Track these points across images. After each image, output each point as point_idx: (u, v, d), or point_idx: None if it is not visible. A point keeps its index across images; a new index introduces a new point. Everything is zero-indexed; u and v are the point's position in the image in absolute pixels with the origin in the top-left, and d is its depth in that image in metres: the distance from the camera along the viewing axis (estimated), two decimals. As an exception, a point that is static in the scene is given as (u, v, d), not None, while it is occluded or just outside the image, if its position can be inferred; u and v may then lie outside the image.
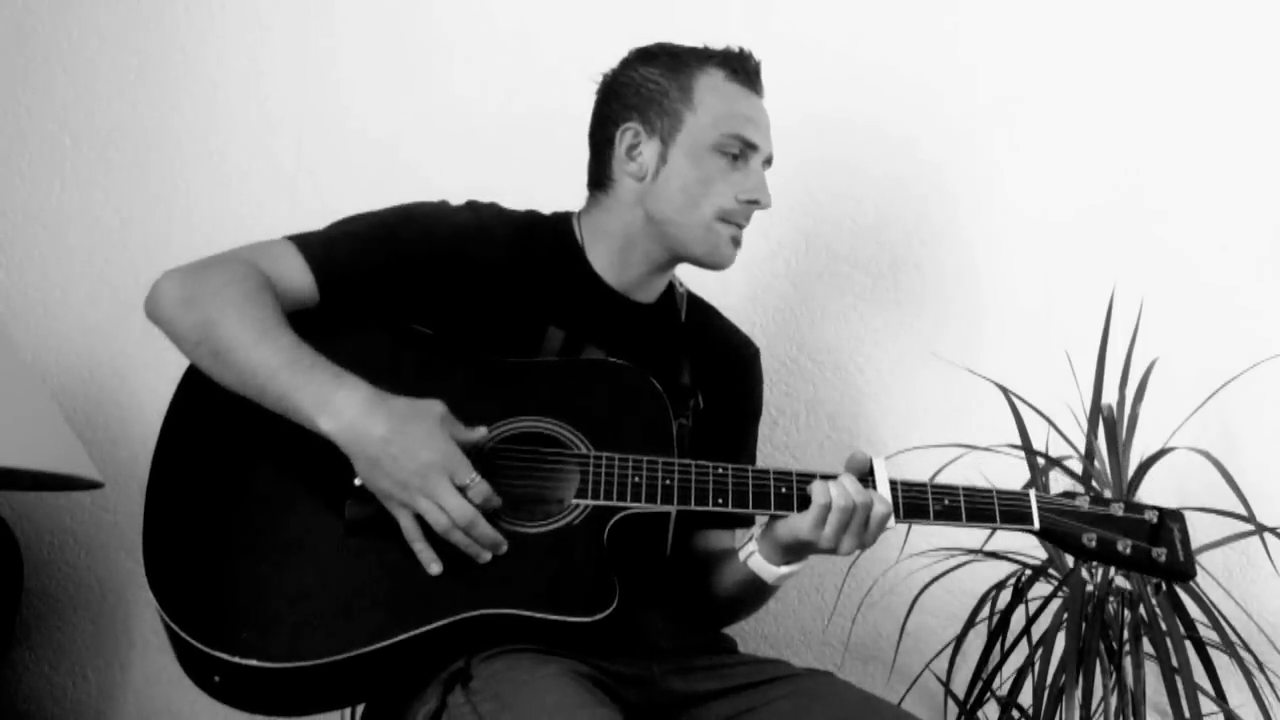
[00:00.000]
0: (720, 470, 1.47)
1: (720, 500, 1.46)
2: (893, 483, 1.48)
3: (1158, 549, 1.47)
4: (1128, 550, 1.47)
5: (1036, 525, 1.48)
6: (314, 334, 1.47)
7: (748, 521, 1.63)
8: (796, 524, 1.45)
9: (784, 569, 1.52)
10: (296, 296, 1.51)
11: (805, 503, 1.46)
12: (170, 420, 1.50)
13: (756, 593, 1.59)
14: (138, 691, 2.33)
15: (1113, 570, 1.82)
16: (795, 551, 1.50)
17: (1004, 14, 2.20)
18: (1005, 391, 1.93)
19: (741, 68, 1.63)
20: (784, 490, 1.47)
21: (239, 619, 1.38)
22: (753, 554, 1.53)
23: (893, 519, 1.46)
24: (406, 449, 1.38)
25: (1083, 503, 1.49)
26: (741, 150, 1.61)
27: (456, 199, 1.66)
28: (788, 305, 2.22)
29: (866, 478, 1.48)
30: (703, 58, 1.63)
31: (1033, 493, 1.49)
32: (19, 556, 2.23)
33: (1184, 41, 2.13)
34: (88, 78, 2.51)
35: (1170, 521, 1.49)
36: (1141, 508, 1.49)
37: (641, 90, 1.62)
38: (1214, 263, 2.07)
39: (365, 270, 1.54)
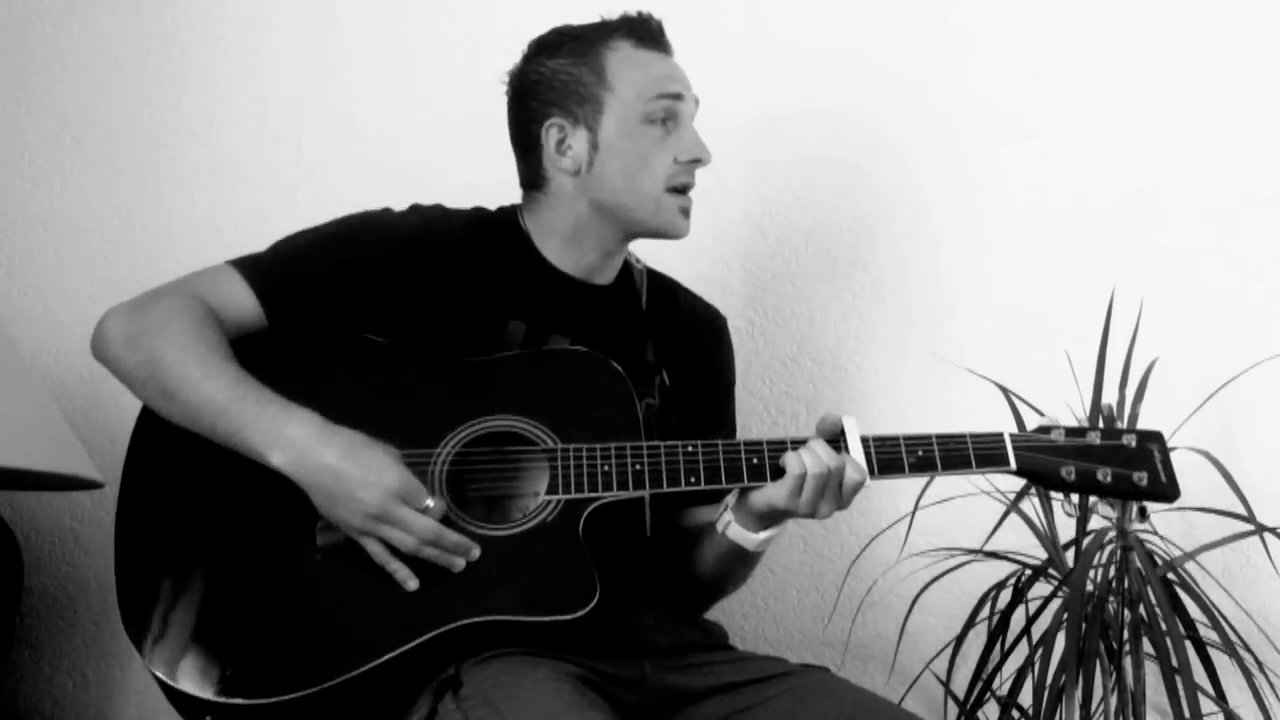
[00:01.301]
0: (690, 448, 1.46)
1: (693, 479, 1.45)
2: (864, 440, 1.47)
3: (1138, 473, 1.44)
4: (1108, 479, 1.44)
5: (1013, 465, 1.46)
6: (267, 357, 1.46)
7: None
8: (772, 494, 1.45)
9: (764, 534, 1.52)
10: (243, 322, 1.50)
11: (778, 472, 1.45)
12: (131, 460, 1.49)
13: (740, 561, 1.58)
14: (138, 691, 2.33)
15: (1113, 570, 1.82)
16: (772, 518, 1.50)
17: (1006, 13, 2.20)
18: (1005, 391, 1.93)
19: (646, 32, 1.61)
20: (755, 461, 1.46)
21: (222, 658, 1.37)
22: (730, 524, 1.52)
23: (868, 478, 1.45)
24: (359, 479, 1.37)
25: (1058, 435, 1.47)
26: (669, 112, 1.59)
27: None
28: (788, 305, 2.22)
29: (838, 439, 1.47)
30: (606, 33, 1.60)
31: (1007, 432, 1.48)
32: (19, 556, 2.22)
33: (1183, 41, 2.13)
34: (88, 78, 2.51)
35: (1149, 443, 1.46)
36: (1118, 433, 1.47)
37: (554, 83, 1.59)
38: (1214, 263, 2.07)
39: (310, 287, 1.52)
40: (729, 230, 2.22)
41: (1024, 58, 2.18)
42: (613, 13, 1.63)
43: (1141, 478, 1.45)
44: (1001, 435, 1.48)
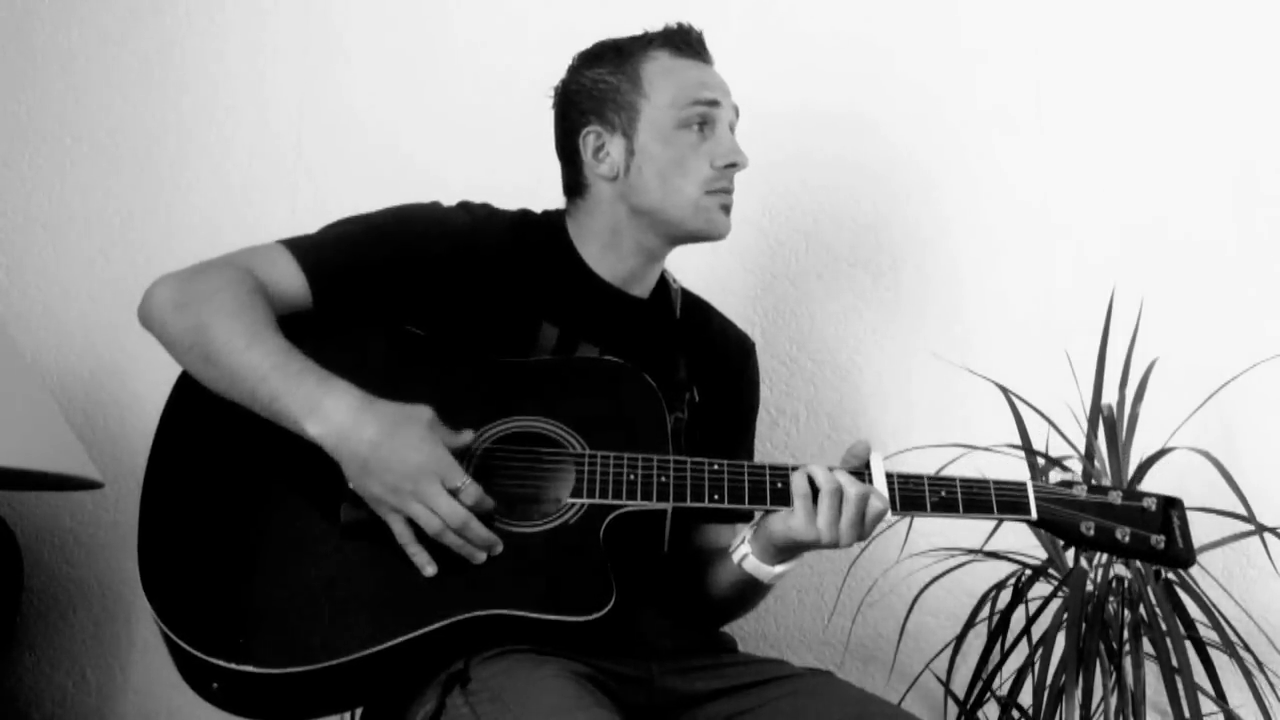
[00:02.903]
0: (715, 466, 1.47)
1: (716, 496, 1.46)
2: (889, 475, 1.48)
3: (1157, 536, 1.46)
4: (1126, 538, 1.46)
5: (1034, 515, 1.47)
6: (308, 337, 1.47)
7: (748, 515, 1.63)
8: (792, 521, 1.45)
9: (779, 568, 1.52)
10: (290, 300, 1.51)
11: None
12: (164, 426, 1.50)
13: (753, 592, 1.59)
14: (138, 692, 2.33)
15: (1113, 570, 1.82)
16: (790, 550, 1.50)
17: (1006, 13, 2.20)
18: (1005, 391, 1.93)
19: (684, 41, 1.64)
20: (780, 485, 1.47)
21: (236, 625, 1.38)
22: (746, 556, 1.52)
23: (890, 512, 1.46)
24: (395, 453, 1.38)
25: (1080, 491, 1.49)
26: (704, 118, 1.61)
27: (459, 195, 1.66)
28: (788, 305, 2.22)
29: (863, 471, 1.48)
30: (645, 43, 1.64)
31: (1030, 482, 1.49)
32: (19, 556, 2.22)
33: (1184, 41, 2.13)
34: (88, 78, 2.51)
35: (1169, 508, 1.48)
36: (1140, 495, 1.48)
37: (594, 92, 1.63)
38: (1214, 263, 2.07)
39: (358, 273, 1.54)
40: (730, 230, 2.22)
41: (1025, 58, 2.18)
42: (654, 24, 1.65)
43: (1159, 541, 1.46)
44: (1024, 485, 1.49)
